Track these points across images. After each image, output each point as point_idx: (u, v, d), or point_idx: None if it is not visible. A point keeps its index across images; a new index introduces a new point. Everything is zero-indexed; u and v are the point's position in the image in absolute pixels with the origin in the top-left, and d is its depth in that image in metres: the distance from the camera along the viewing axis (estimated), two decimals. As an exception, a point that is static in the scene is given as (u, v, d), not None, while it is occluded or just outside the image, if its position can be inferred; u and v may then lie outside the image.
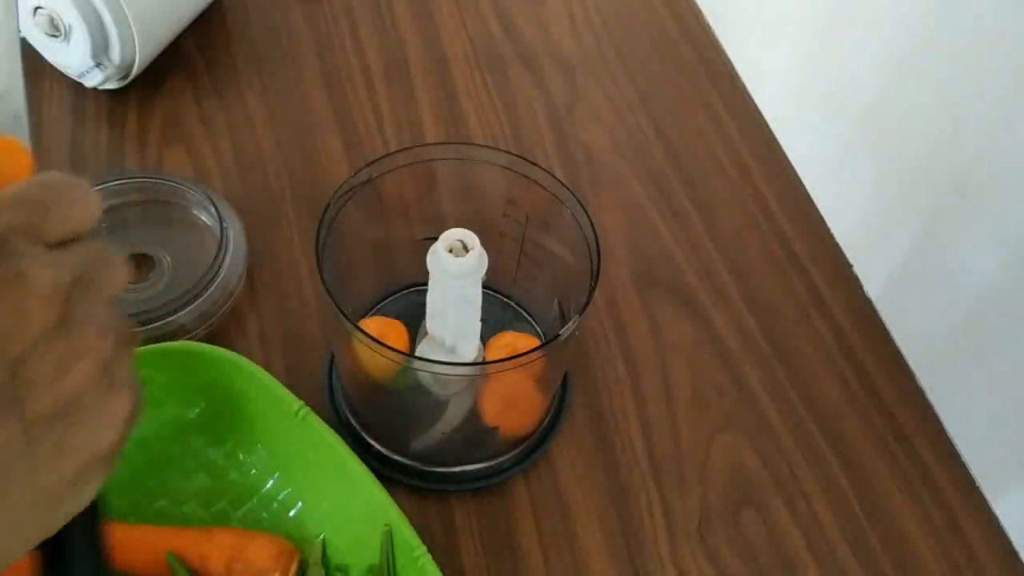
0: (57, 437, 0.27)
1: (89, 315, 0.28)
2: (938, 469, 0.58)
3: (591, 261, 0.49)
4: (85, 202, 0.30)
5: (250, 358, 0.51)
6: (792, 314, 0.65)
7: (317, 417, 0.50)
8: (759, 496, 0.56)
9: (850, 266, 0.68)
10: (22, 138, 0.35)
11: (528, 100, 0.75)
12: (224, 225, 0.60)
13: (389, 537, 0.47)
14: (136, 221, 0.63)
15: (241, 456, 0.52)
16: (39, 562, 0.31)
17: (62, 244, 0.29)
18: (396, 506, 0.47)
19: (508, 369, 0.49)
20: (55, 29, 0.65)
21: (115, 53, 0.67)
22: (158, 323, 0.56)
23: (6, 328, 0.26)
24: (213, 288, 0.58)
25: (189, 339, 0.57)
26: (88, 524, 0.31)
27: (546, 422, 0.57)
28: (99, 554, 0.32)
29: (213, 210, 0.60)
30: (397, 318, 0.57)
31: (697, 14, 0.84)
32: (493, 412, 0.53)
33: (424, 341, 0.55)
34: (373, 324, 0.56)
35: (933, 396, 0.61)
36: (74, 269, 0.28)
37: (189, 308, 0.57)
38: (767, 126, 0.76)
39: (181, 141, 0.69)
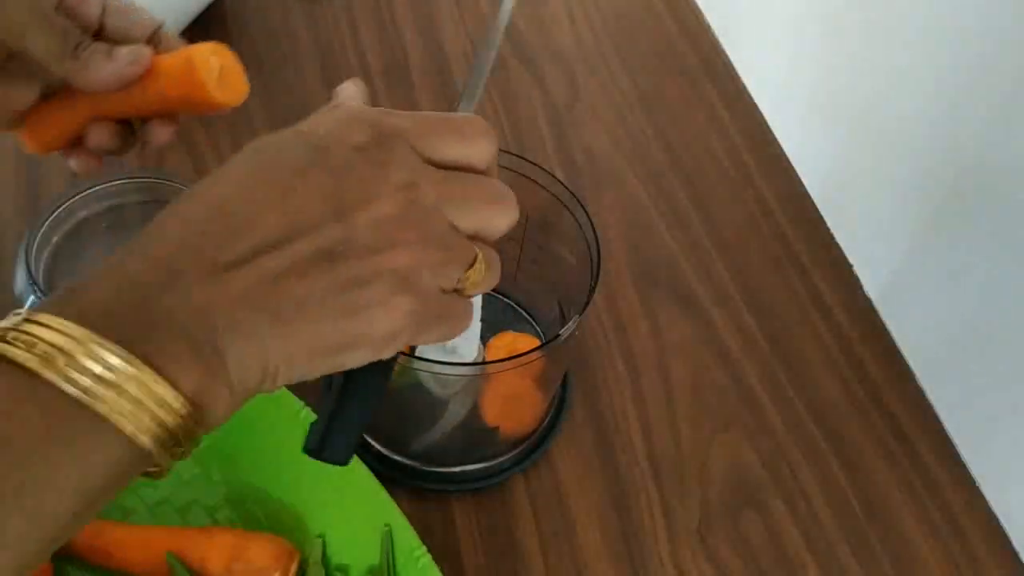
0: (348, 299, 0.30)
1: (432, 228, 0.32)
2: (938, 469, 0.58)
3: (591, 261, 0.49)
4: (475, 138, 0.35)
5: (250, 358, 0.51)
6: (792, 314, 0.64)
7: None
8: (759, 496, 0.56)
9: (850, 266, 0.68)
10: None
11: (528, 100, 0.75)
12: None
13: (389, 537, 0.47)
14: (136, 221, 0.63)
15: (241, 456, 0.52)
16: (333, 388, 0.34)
17: (448, 167, 0.33)
18: (396, 506, 0.47)
19: (508, 369, 0.49)
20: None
21: (115, 53, 0.67)
22: (158, 323, 0.56)
23: (356, 198, 0.31)
24: (213, 288, 0.58)
25: (189, 339, 0.56)
26: (370, 378, 0.34)
27: (546, 422, 0.57)
28: (375, 399, 0.35)
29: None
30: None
31: (697, 14, 0.84)
32: (493, 412, 0.53)
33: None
34: None
35: (933, 396, 0.61)
36: (436, 182, 0.33)
37: (189, 308, 0.57)
38: (767, 126, 0.76)
39: (181, 141, 0.69)
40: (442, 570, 0.46)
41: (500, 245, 0.54)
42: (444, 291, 0.33)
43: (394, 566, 0.47)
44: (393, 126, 0.33)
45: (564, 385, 0.59)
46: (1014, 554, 0.56)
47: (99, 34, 0.42)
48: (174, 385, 0.27)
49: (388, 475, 0.54)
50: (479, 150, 0.35)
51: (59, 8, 0.41)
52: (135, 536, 0.49)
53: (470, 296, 0.35)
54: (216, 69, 0.39)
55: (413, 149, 0.33)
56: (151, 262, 0.29)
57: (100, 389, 0.26)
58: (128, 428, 0.27)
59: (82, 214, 0.62)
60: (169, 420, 0.27)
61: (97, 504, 0.27)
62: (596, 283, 0.49)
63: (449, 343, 0.52)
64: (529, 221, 0.54)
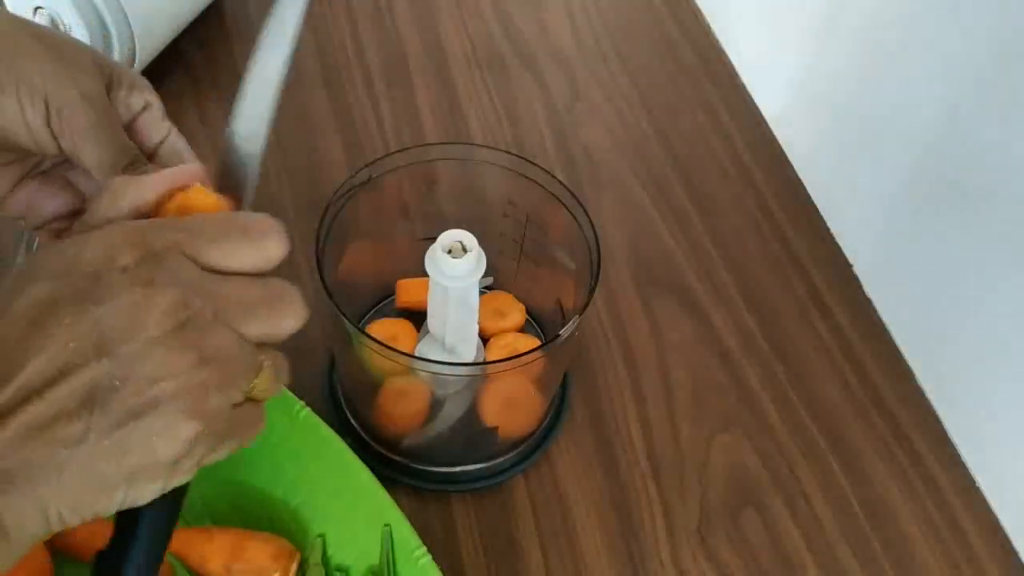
0: (123, 435, 0.29)
1: (211, 348, 0.30)
2: (938, 469, 0.58)
3: (591, 261, 0.49)
4: (260, 237, 0.33)
5: (250, 358, 0.51)
6: (792, 314, 0.65)
7: (317, 417, 0.50)
8: (759, 496, 0.56)
9: (850, 266, 0.68)
10: (247, 180, 0.38)
11: (528, 100, 0.75)
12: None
13: (389, 537, 0.47)
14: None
15: (241, 456, 0.52)
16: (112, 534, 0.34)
17: (229, 273, 0.32)
18: (396, 506, 0.47)
19: (508, 369, 0.49)
20: (55, 29, 0.65)
21: (115, 53, 0.67)
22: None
23: (121, 328, 0.29)
24: (213, 288, 0.58)
25: (189, 339, 0.56)
26: (154, 519, 0.34)
27: (546, 422, 0.57)
28: (156, 549, 0.34)
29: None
30: (397, 318, 0.57)
31: (697, 14, 0.84)
32: (493, 412, 0.53)
33: (424, 340, 0.55)
34: (384, 325, 0.56)
35: (933, 396, 0.61)
36: (212, 295, 0.31)
37: (189, 308, 0.57)
38: (767, 126, 0.76)
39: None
40: (442, 570, 0.46)
41: (500, 245, 0.54)
42: (233, 405, 0.32)
43: (394, 566, 0.47)
44: (164, 240, 0.31)
45: (564, 385, 0.59)
46: (1014, 554, 0.56)
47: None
48: None
49: (388, 475, 0.54)
50: (264, 253, 0.33)
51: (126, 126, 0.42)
52: (135, 536, 0.49)
53: (261, 402, 0.34)
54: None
55: (191, 259, 0.31)
56: None
57: None
58: None
59: (82, 214, 0.62)
60: None
61: None
62: (596, 283, 0.49)
63: (448, 343, 0.52)
64: (529, 221, 0.54)
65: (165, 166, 0.41)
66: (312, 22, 0.79)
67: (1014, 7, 0.70)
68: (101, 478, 0.29)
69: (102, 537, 0.48)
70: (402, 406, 0.54)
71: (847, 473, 0.58)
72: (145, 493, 0.31)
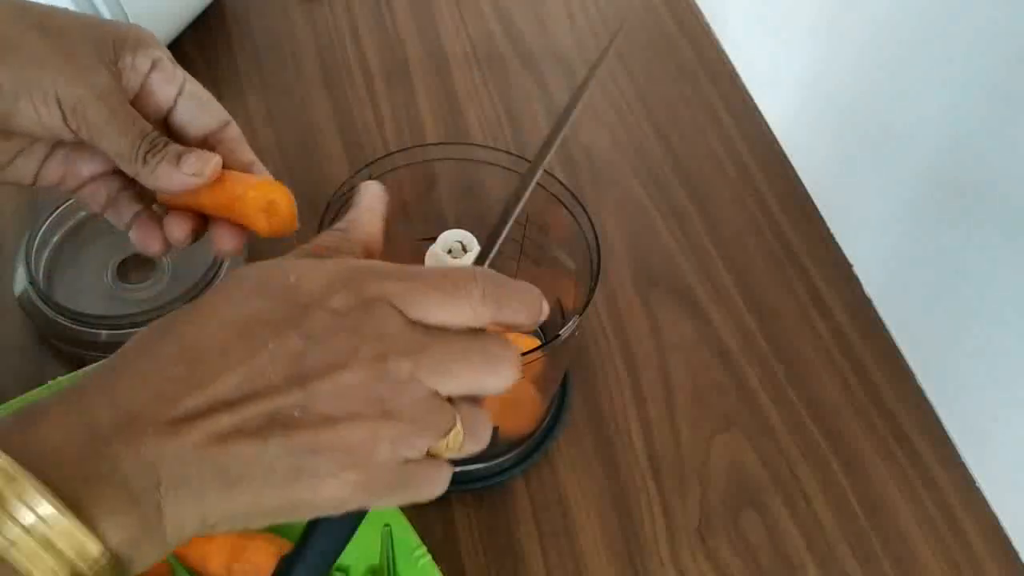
0: (295, 468, 0.30)
1: (402, 404, 0.31)
2: (938, 469, 0.58)
3: (591, 261, 0.49)
4: (470, 297, 0.32)
5: (250, 358, 0.51)
6: (792, 314, 0.65)
7: (317, 417, 0.50)
8: (759, 496, 0.56)
9: (850, 266, 0.68)
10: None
11: (528, 100, 0.75)
12: (224, 225, 0.60)
13: (389, 537, 0.47)
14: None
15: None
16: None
17: (435, 327, 0.32)
18: (396, 506, 0.47)
19: (508, 369, 0.49)
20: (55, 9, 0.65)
21: (115, 53, 0.67)
22: (158, 323, 0.56)
23: (322, 366, 0.30)
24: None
25: (189, 339, 0.56)
26: (332, 528, 0.35)
27: (546, 422, 0.57)
28: (329, 555, 0.35)
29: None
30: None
31: (697, 14, 0.84)
32: (493, 412, 0.53)
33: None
34: None
35: (933, 396, 0.61)
36: (414, 352, 0.31)
37: (189, 308, 0.57)
38: (767, 126, 0.76)
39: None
40: (442, 570, 0.46)
41: (500, 245, 0.54)
42: (409, 460, 0.32)
43: (394, 566, 0.47)
44: (379, 290, 0.31)
45: (564, 385, 0.59)
46: (1014, 554, 0.56)
47: (168, 117, 0.44)
48: (102, 538, 0.27)
49: (388, 475, 0.54)
50: (476, 312, 0.32)
51: (138, 96, 0.43)
52: (135, 536, 0.49)
53: (442, 460, 0.33)
54: (265, 207, 0.42)
55: (399, 311, 0.31)
56: (110, 401, 0.29)
57: (25, 540, 0.26)
58: None
59: (82, 214, 0.62)
60: (86, 570, 0.27)
61: None
62: (596, 283, 0.49)
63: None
64: (529, 221, 0.54)
65: (187, 113, 0.44)
66: (312, 22, 0.79)
67: (1021, 13, 0.70)
68: (263, 501, 0.30)
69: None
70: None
71: (847, 473, 0.58)
72: (300, 519, 0.32)
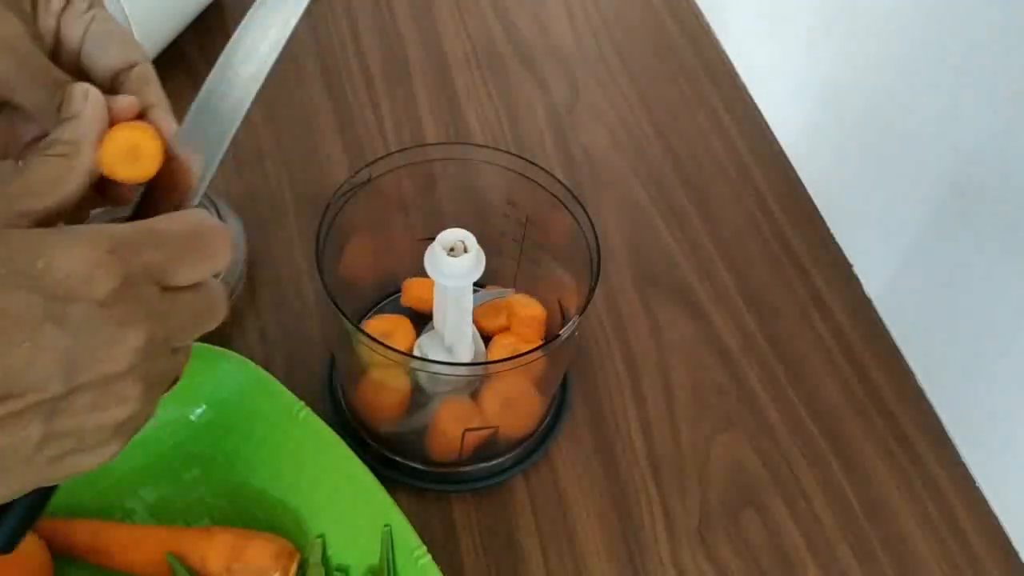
0: (60, 449, 0.30)
1: (155, 371, 0.32)
2: (938, 469, 0.58)
3: (591, 261, 0.49)
4: (219, 254, 0.33)
5: (250, 358, 0.51)
6: (792, 314, 0.65)
7: (317, 417, 0.50)
8: (759, 496, 0.56)
9: (850, 266, 0.68)
10: (219, 139, 0.38)
11: (528, 100, 0.75)
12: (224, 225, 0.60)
13: (389, 537, 0.47)
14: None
15: (241, 456, 0.52)
16: None
17: (178, 289, 0.32)
18: (396, 506, 0.47)
19: (508, 369, 0.49)
20: None
21: (115, 53, 0.67)
22: (158, 323, 0.55)
23: (88, 360, 0.29)
24: (213, 288, 0.58)
25: (189, 339, 0.56)
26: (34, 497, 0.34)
27: (546, 422, 0.57)
28: (28, 517, 0.35)
29: (213, 210, 0.60)
30: (393, 314, 0.57)
31: (697, 14, 0.84)
32: (493, 412, 0.53)
33: (425, 335, 0.55)
34: (381, 321, 0.56)
35: (933, 396, 0.61)
36: (170, 326, 0.31)
37: (189, 308, 0.57)
38: (767, 126, 0.76)
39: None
40: (442, 570, 0.46)
41: (500, 245, 0.54)
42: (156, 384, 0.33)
43: (394, 566, 0.47)
44: (139, 265, 0.31)
45: (564, 385, 0.59)
46: (1014, 554, 0.56)
47: (79, 60, 0.40)
48: None
49: (388, 475, 0.54)
50: (221, 264, 0.33)
51: (57, 41, 0.40)
52: (135, 536, 0.49)
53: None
54: (127, 152, 0.37)
55: (158, 284, 0.31)
56: None
57: None
58: None
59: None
60: None
61: None
62: (596, 283, 0.49)
63: (447, 342, 0.52)
64: (529, 221, 0.54)
65: (93, 54, 0.39)
66: (312, 22, 0.79)
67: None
68: (22, 483, 0.31)
69: (104, 538, 0.48)
70: (394, 401, 0.54)
71: (847, 473, 0.58)
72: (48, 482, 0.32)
